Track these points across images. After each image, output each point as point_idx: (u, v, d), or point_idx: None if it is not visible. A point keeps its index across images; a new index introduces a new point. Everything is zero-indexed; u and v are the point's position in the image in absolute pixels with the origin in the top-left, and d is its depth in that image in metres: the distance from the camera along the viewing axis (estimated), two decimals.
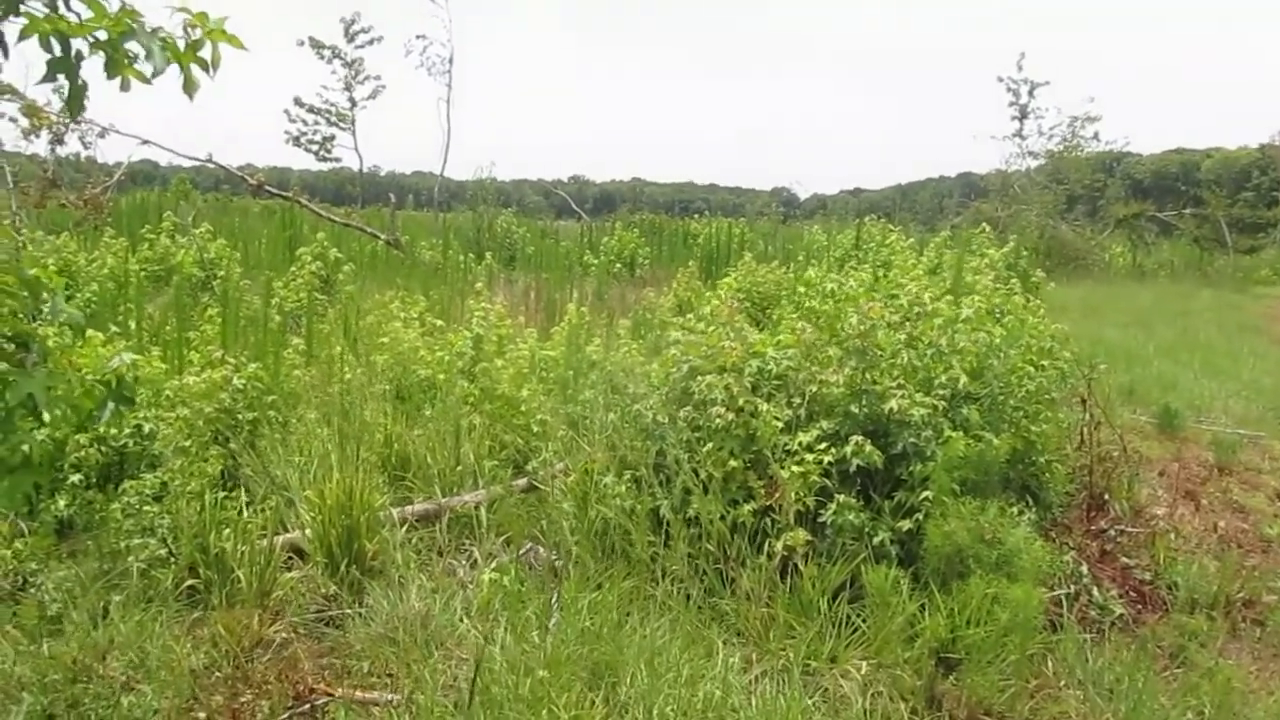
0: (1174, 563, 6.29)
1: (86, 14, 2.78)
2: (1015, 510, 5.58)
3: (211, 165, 20.44)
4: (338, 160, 27.52)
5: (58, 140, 18.67)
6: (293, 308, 12.72)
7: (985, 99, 38.01)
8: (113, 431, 6.50)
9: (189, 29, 2.84)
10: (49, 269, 3.28)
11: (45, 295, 3.28)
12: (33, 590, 5.33)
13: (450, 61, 25.05)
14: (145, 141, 18.10)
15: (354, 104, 25.63)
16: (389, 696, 4.46)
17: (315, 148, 26.33)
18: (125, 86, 2.87)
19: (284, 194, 21.12)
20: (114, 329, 9.05)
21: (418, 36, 24.79)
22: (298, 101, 25.85)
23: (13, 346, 3.09)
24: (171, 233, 17.53)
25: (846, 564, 5.32)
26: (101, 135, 19.01)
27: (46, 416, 3.17)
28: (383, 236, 20.61)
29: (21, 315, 3.20)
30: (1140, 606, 5.86)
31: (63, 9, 2.72)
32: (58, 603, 5.17)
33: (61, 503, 6.01)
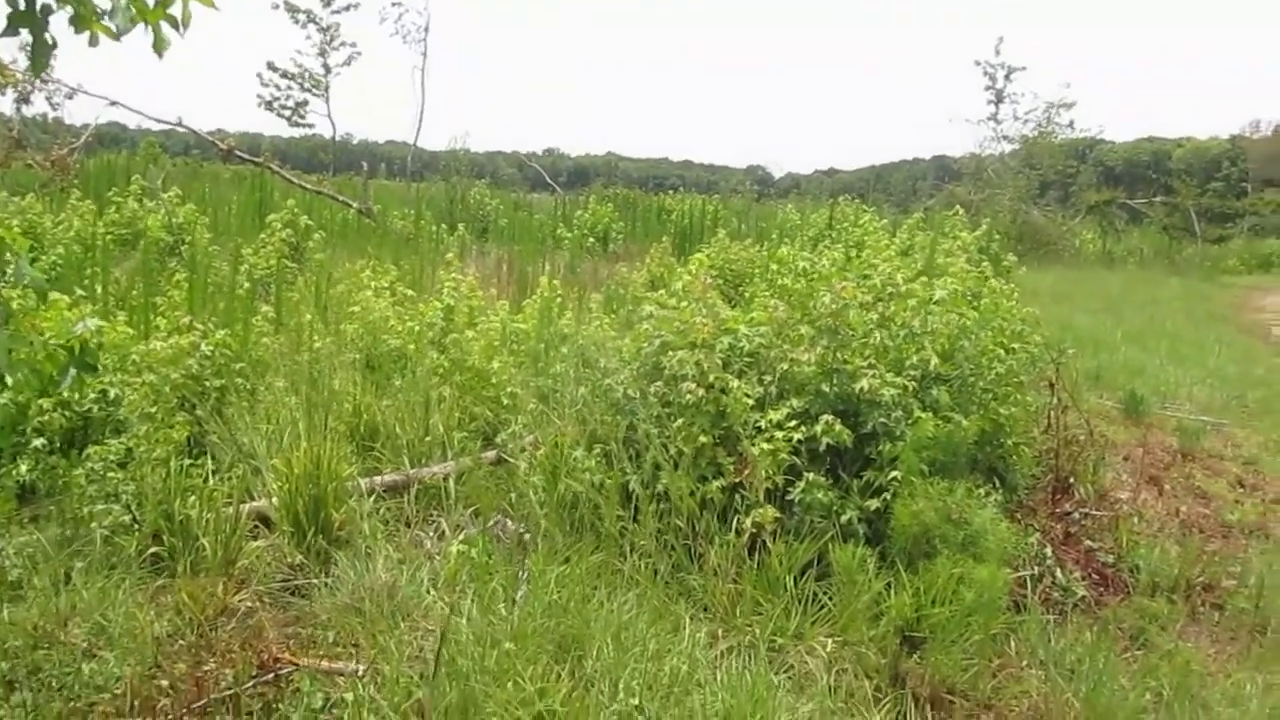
0: (1136, 546, 6.36)
1: None
2: (982, 491, 5.63)
3: (181, 129, 20.19)
4: (310, 126, 27.22)
5: (24, 100, 18.38)
6: (262, 275, 12.58)
7: (961, 82, 38.13)
8: (77, 396, 6.43)
9: None
10: (14, 230, 3.20)
11: (9, 257, 3.21)
12: None
13: (426, 30, 24.74)
14: (114, 103, 17.80)
15: (328, 70, 25.33)
16: (353, 667, 4.43)
17: (288, 113, 26.00)
18: (94, 42, 2.80)
19: (255, 159, 20.86)
20: (80, 292, 8.93)
21: (393, 4, 24.44)
22: (271, 66, 25.52)
23: None
24: (139, 196, 17.29)
25: (814, 542, 5.34)
26: (69, 96, 18.68)
27: (9, 380, 3.11)
28: (354, 205, 20.41)
29: None
30: (1102, 589, 5.92)
31: None
32: (18, 568, 5.10)
33: (24, 467, 5.93)
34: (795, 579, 5.20)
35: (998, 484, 6.29)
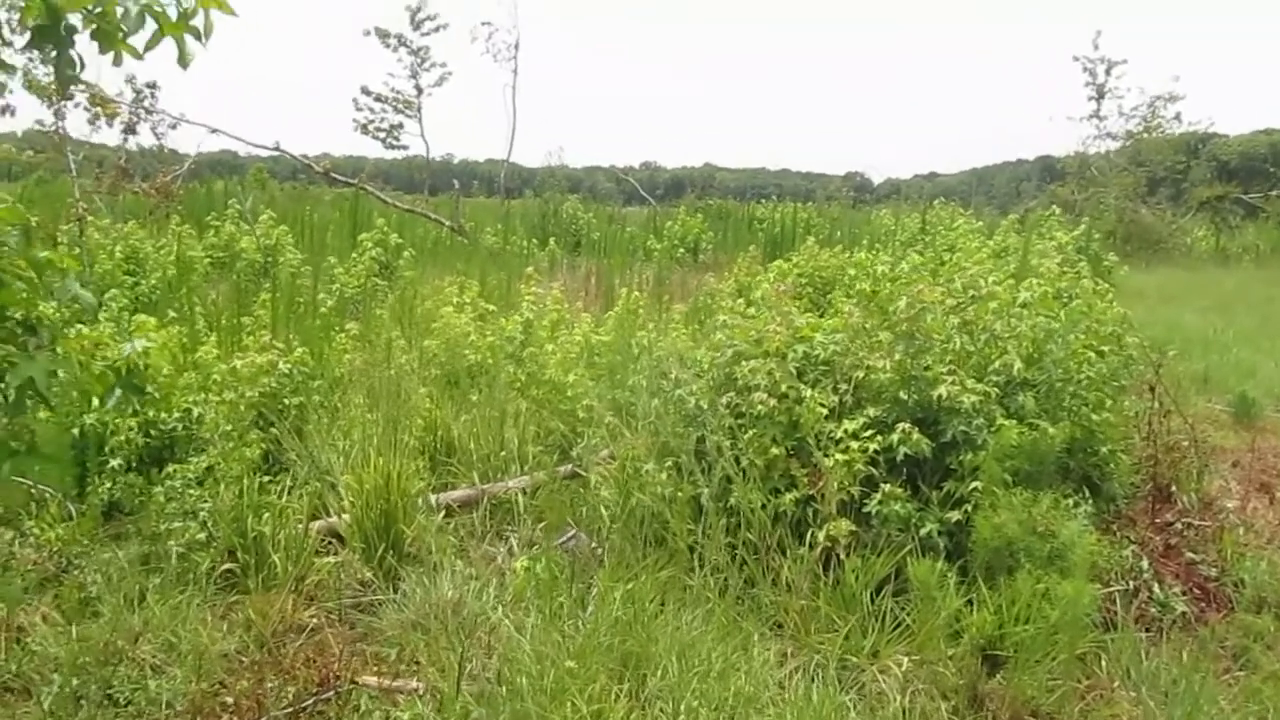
0: (1242, 558, 5.99)
1: None
2: (1071, 502, 5.36)
3: (280, 153, 20.74)
4: (405, 148, 27.62)
5: (130, 130, 19.04)
6: (352, 293, 12.78)
7: (1065, 79, 37.19)
8: (163, 415, 6.55)
9: None
10: (63, 252, 3.22)
11: (54, 278, 3.22)
12: (75, 572, 5.36)
13: (516, 48, 24.94)
14: (214, 131, 18.43)
15: (420, 91, 25.67)
16: (413, 684, 4.39)
17: (383, 135, 26.44)
18: (118, 61, 2.81)
19: (350, 180, 21.35)
20: (171, 314, 9.15)
21: (483, 23, 24.70)
22: (365, 90, 25.99)
23: (20, 329, 3.04)
24: (236, 220, 17.74)
25: (891, 556, 5.13)
26: (173, 126, 19.37)
27: (54, 401, 3.12)
28: (446, 223, 20.70)
29: (31, 297, 3.16)
30: (1204, 604, 5.57)
31: None
32: (97, 585, 5.19)
33: (106, 485, 6.05)
34: (871, 595, 5.00)
35: (1091, 494, 5.99)
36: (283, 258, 15.08)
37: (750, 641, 4.74)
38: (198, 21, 2.75)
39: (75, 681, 4.36)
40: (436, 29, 25.00)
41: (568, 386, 7.71)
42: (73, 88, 14.43)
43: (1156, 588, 5.54)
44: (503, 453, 7.00)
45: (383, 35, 24.75)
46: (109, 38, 2.70)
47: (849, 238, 21.44)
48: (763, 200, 36.76)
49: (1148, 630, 5.20)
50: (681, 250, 23.34)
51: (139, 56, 2.73)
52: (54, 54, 2.70)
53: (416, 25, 24.79)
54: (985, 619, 4.73)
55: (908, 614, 4.93)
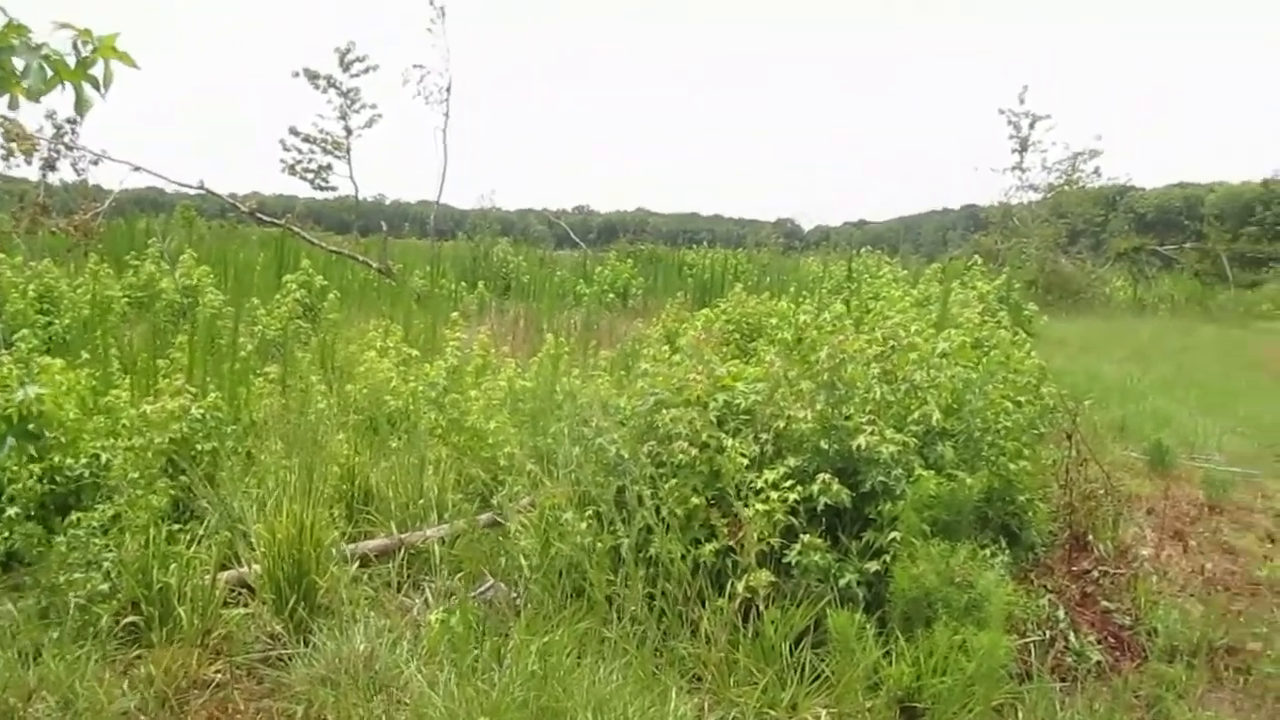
0: (1155, 606, 6.06)
1: None
2: (989, 552, 5.39)
3: (205, 192, 20.45)
4: (334, 189, 27.45)
5: (49, 165, 18.68)
6: (274, 335, 12.56)
7: (990, 132, 38.15)
8: (69, 461, 6.34)
9: (80, 44, 2.68)
10: (28, 294, 3.09)
11: None
12: None
13: (448, 90, 24.93)
14: (137, 168, 18.13)
15: (349, 133, 25.58)
16: None
17: (311, 175, 26.26)
18: (13, 104, 2.72)
19: (276, 221, 21.11)
20: (85, 355, 8.89)
21: (414, 66, 24.68)
22: (293, 131, 25.82)
23: None
24: (157, 259, 17.41)
25: (811, 607, 5.10)
26: (95, 162, 19.02)
27: None
28: (374, 265, 20.52)
29: None
30: (1118, 653, 5.62)
31: None
32: None
33: (3, 535, 5.81)
34: (790, 646, 4.97)
35: (1009, 543, 6.03)
36: (204, 298, 14.79)
37: (668, 695, 4.66)
38: (97, 71, 2.68)
39: None
40: (366, 70, 24.98)
41: (489, 433, 7.62)
42: None
43: (1072, 637, 5.58)
44: (421, 501, 6.87)
45: (312, 76, 24.68)
46: (3, 82, 2.62)
47: (778, 284, 21.63)
48: (694, 246, 37.06)
49: (1063, 680, 5.23)
50: (611, 295, 23.38)
51: (33, 100, 2.65)
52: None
53: (346, 67, 24.74)
54: (903, 670, 4.73)
55: (827, 665, 4.91)
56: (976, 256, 20.53)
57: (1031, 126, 32.03)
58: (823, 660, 4.93)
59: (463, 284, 21.95)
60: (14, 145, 14.32)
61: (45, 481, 6.15)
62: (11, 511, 5.82)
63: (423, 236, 38.22)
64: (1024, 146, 32.50)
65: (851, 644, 4.85)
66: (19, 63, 2.62)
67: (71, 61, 2.68)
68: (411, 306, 15.16)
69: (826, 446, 5.67)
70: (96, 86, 2.70)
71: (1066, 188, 32.95)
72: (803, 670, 4.88)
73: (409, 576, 6.20)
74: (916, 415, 5.95)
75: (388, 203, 61.60)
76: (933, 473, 5.48)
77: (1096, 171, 32.92)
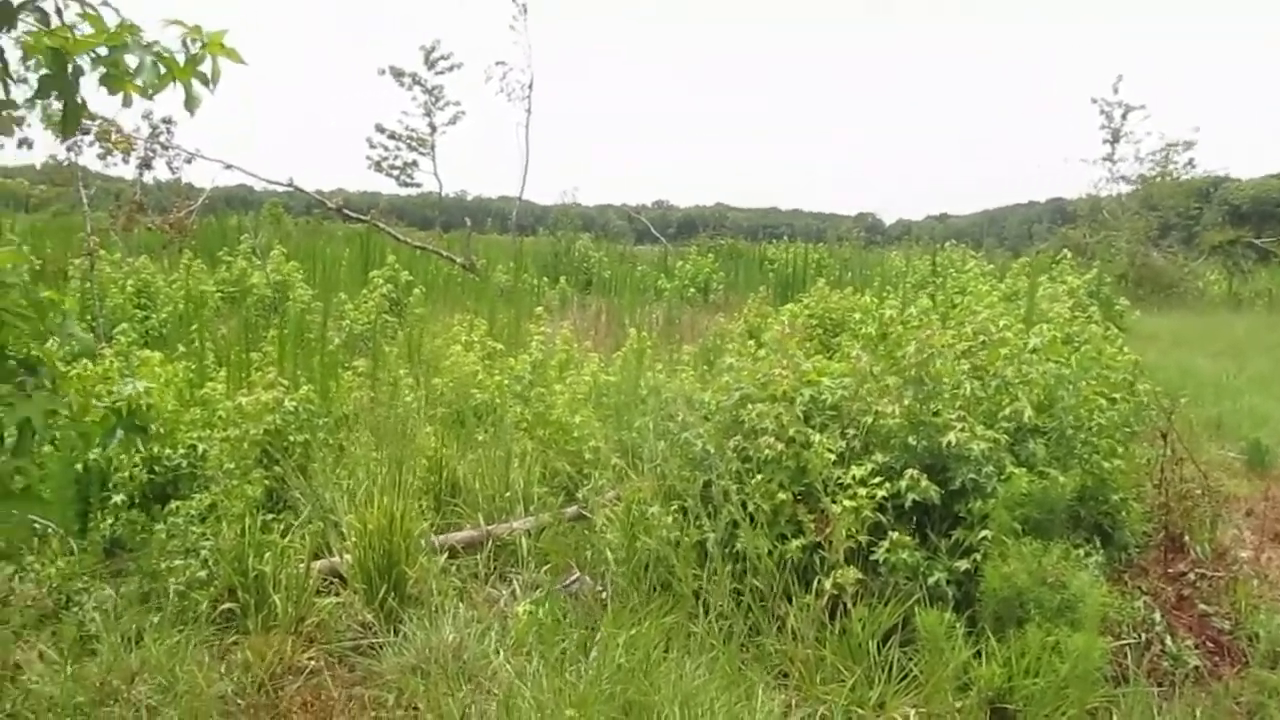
0: (1256, 611, 5.88)
1: (85, 29, 2.71)
2: (1082, 552, 5.28)
3: (293, 189, 20.85)
4: (418, 185, 27.85)
5: (146, 164, 19.17)
6: (362, 329, 12.78)
7: (1079, 123, 37.30)
8: (169, 452, 6.52)
9: (188, 43, 2.75)
10: (62, 293, 3.20)
11: (57, 318, 3.20)
12: (74, 610, 5.31)
13: (529, 87, 25.11)
14: (229, 166, 18.51)
15: (434, 129, 25.91)
16: None
17: (396, 173, 26.67)
18: (127, 102, 2.81)
19: (362, 217, 21.44)
20: (181, 349, 9.15)
21: (497, 63, 24.91)
22: (379, 128, 26.24)
23: (20, 369, 3.01)
24: (248, 255, 17.81)
25: (899, 605, 5.05)
26: (188, 160, 19.48)
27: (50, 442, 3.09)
28: (457, 260, 20.75)
29: (31, 338, 3.13)
30: (1217, 658, 5.47)
31: (56, 21, 2.64)
32: (95, 623, 5.14)
33: (108, 522, 6.01)
34: (878, 645, 4.92)
35: (1102, 543, 5.91)
36: (293, 293, 15.11)
37: (755, 691, 4.66)
38: (205, 68, 2.74)
39: None
40: (450, 68, 25.25)
41: (574, 427, 7.67)
42: (86, 122, 14.53)
43: (1169, 641, 5.44)
44: (508, 493, 6.95)
45: (397, 74, 25.02)
46: (117, 81, 2.70)
47: (860, 279, 21.41)
48: (774, 240, 36.81)
49: (1160, 685, 5.10)
50: (692, 290, 23.33)
51: (147, 97, 2.72)
52: (60, 100, 2.70)
53: (431, 65, 25.03)
54: (994, 671, 4.65)
55: (915, 665, 4.85)
56: (1065, 250, 20.12)
57: (1125, 117, 31.22)
58: (911, 659, 4.88)
59: (545, 279, 22.09)
60: (112, 145, 14.72)
61: (146, 471, 6.33)
62: (117, 499, 6.02)
63: (504, 232, 38.56)
64: (1116, 137, 31.69)
65: (941, 643, 4.79)
66: (131, 61, 2.69)
67: (181, 59, 2.74)
68: (495, 301, 15.31)
69: (914, 443, 5.60)
70: (205, 83, 2.77)
71: (1159, 179, 32.07)
72: (890, 669, 4.84)
73: (495, 568, 6.28)
74: (1007, 411, 5.86)
75: (469, 199, 62.24)
76: (1024, 470, 5.39)
77: (1191, 163, 31.99)
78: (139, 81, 2.67)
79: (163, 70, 2.72)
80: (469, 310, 13.91)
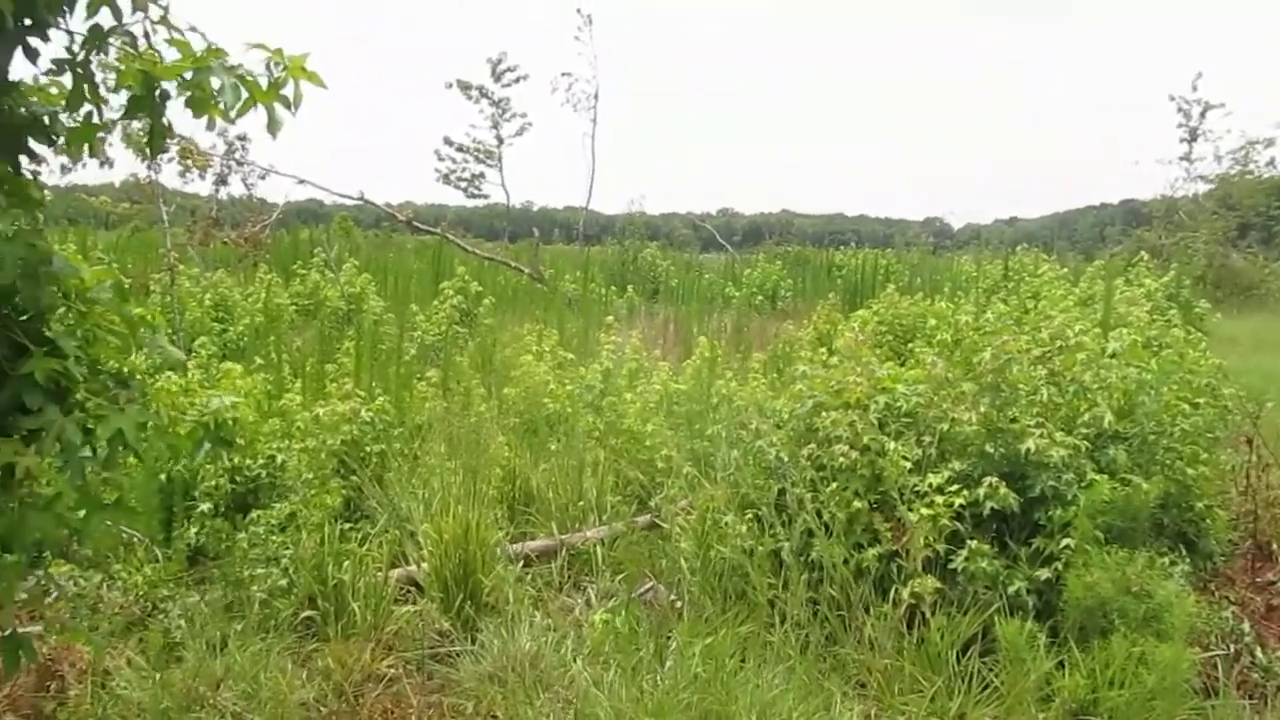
0: None
1: (173, 55, 2.78)
2: (1167, 561, 5.17)
3: (364, 203, 21.16)
4: (486, 197, 28.06)
5: (221, 181, 19.61)
6: (433, 340, 12.93)
7: (1151, 123, 36.45)
8: (249, 462, 6.64)
9: (271, 65, 2.81)
10: (153, 308, 3.29)
11: (147, 332, 3.28)
12: (160, 617, 5.43)
13: (595, 97, 25.23)
14: (301, 181, 18.87)
15: (501, 141, 26.09)
16: None
17: (464, 185, 26.90)
18: (211, 125, 2.87)
19: (431, 229, 21.70)
20: (258, 361, 9.32)
21: (563, 74, 25.07)
22: (447, 141, 26.49)
23: (111, 383, 3.09)
24: (321, 268, 18.11)
25: (978, 615, 4.99)
26: (263, 176, 19.89)
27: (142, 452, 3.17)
28: (526, 270, 20.90)
29: (120, 352, 3.22)
30: None
31: (144, 47, 2.72)
32: (180, 630, 5.25)
33: (193, 530, 6.14)
34: (957, 655, 4.86)
35: (1186, 552, 5.77)
36: (366, 305, 15.35)
37: (833, 701, 4.63)
38: (287, 90, 2.80)
39: None
40: (516, 80, 25.41)
41: (646, 436, 7.68)
42: (165, 140, 14.89)
43: (1259, 652, 5.30)
44: (581, 502, 6.98)
45: (464, 87, 25.23)
46: (202, 104, 2.76)
47: (929, 285, 21.17)
48: (841, 246, 36.58)
49: (1250, 698, 4.97)
50: (760, 297, 23.26)
51: (230, 121, 2.79)
52: (147, 121, 2.78)
53: (497, 77, 25.23)
54: (1078, 682, 4.58)
55: (995, 675, 4.79)
56: (1141, 253, 19.72)
57: (1204, 115, 30.51)
58: (991, 670, 4.81)
59: (612, 288, 22.18)
60: (191, 163, 15.09)
61: (228, 481, 6.46)
62: (201, 508, 6.15)
63: (570, 242, 38.79)
64: (1194, 136, 30.97)
65: (1022, 653, 4.72)
66: (216, 84, 2.76)
67: (264, 82, 2.80)
68: (563, 311, 15.40)
69: (992, 450, 5.53)
70: (287, 106, 2.83)
71: (1238, 178, 31.28)
72: (970, 680, 4.77)
73: (570, 577, 6.31)
74: (1086, 418, 5.76)
75: (535, 209, 62.62)
76: (1106, 477, 5.29)
77: (1272, 162, 31.15)
78: (223, 105, 2.74)
79: (245, 94, 2.78)
80: (538, 320, 14.01)
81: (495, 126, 25.96)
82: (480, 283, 17.67)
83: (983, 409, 5.70)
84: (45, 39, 2.68)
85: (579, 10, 24.65)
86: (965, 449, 5.67)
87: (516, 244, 29.73)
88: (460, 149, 26.28)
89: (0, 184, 2.78)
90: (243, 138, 19.12)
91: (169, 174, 17.58)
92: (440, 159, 26.74)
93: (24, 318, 2.84)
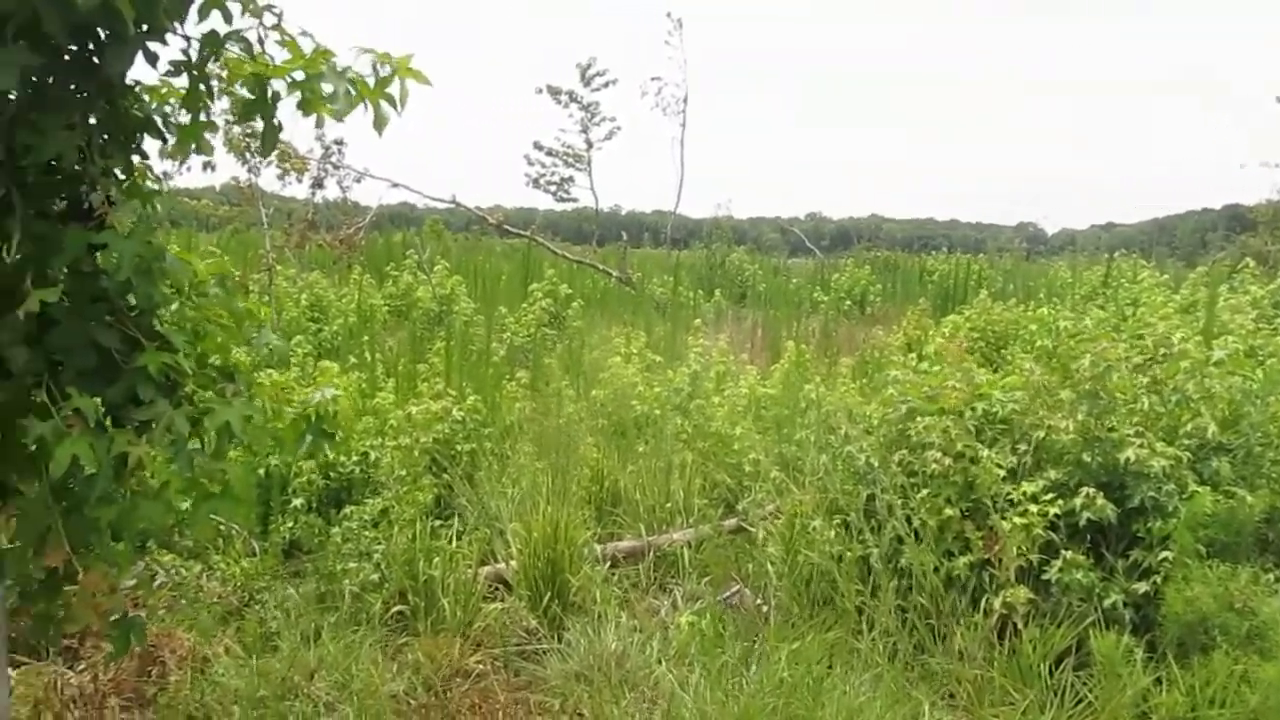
0: None
1: (284, 55, 2.85)
2: (1272, 577, 5.00)
3: (456, 206, 21.45)
4: (575, 200, 28.23)
5: (318, 184, 20.02)
6: (522, 342, 13.06)
7: (1257, 123, 35.31)
8: (342, 459, 6.78)
9: (378, 66, 2.87)
10: (259, 301, 3.38)
11: (254, 327, 3.36)
12: (256, 608, 5.57)
13: (684, 101, 25.23)
14: (395, 185, 19.19)
15: (590, 145, 26.23)
16: None
17: (553, 189, 27.10)
18: (320, 124, 2.93)
19: (521, 233, 21.90)
20: (352, 360, 9.52)
21: (652, 78, 25.10)
22: (537, 145, 26.70)
23: (218, 376, 3.18)
24: (413, 270, 18.40)
25: (1072, 627, 4.88)
26: (358, 180, 20.27)
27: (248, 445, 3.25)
28: (614, 273, 20.98)
29: (230, 346, 3.30)
30: None
31: (258, 50, 2.79)
32: (276, 620, 5.38)
33: (288, 525, 6.29)
34: (1050, 667, 4.77)
35: None
36: (457, 307, 15.55)
37: (921, 711, 4.57)
38: (393, 90, 2.86)
39: (253, 715, 4.51)
40: (605, 85, 25.52)
41: (734, 439, 7.66)
42: (277, 140, 15.29)
43: None
44: (668, 504, 6.99)
45: (554, 92, 25.40)
46: (312, 104, 2.83)
47: (1023, 291, 20.79)
48: (930, 251, 36.04)
49: None
50: (848, 302, 23.03)
51: (339, 119, 2.85)
52: (260, 122, 2.86)
53: (587, 82, 25.36)
54: (1176, 700, 4.45)
55: (1090, 690, 4.68)
56: (1247, 259, 19.09)
57: None
58: (1085, 684, 4.71)
59: (699, 292, 22.17)
60: (289, 166, 15.44)
61: (322, 476, 6.61)
62: (297, 503, 6.30)
63: (656, 246, 38.81)
64: None
65: (1118, 668, 4.61)
66: (325, 86, 2.83)
67: (370, 83, 2.87)
68: (651, 314, 15.44)
69: (1089, 459, 5.40)
70: (393, 104, 2.89)
71: None
72: (1063, 693, 4.68)
73: (656, 579, 6.32)
74: (1188, 428, 5.60)
75: (623, 213, 62.84)
76: (1208, 489, 5.14)
77: None
78: (333, 105, 2.80)
79: (354, 93, 2.84)
80: (626, 323, 14.07)
81: (584, 130, 26.10)
82: (569, 285, 17.80)
83: (1080, 417, 5.58)
84: (164, 43, 2.76)
85: (669, 14, 24.66)
86: (1061, 457, 5.55)
87: (604, 248, 29.84)
88: (550, 153, 26.46)
89: (117, 180, 2.88)
90: (339, 141, 19.50)
91: (268, 177, 18.03)
92: (530, 163, 26.96)
93: (135, 313, 2.93)
